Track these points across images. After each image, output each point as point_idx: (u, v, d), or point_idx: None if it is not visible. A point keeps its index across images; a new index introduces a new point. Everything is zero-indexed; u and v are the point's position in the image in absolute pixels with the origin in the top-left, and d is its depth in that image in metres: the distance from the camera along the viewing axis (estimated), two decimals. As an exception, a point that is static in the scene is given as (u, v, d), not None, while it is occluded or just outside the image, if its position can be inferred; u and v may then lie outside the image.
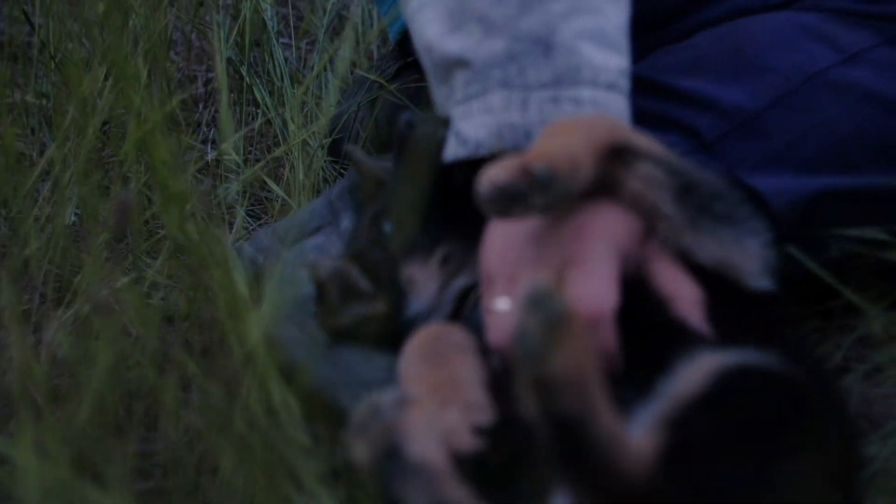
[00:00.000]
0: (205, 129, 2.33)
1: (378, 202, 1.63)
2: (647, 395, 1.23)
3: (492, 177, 1.29)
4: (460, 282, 1.56)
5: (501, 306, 1.37)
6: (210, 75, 2.38)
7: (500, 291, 1.38)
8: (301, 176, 2.05)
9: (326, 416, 1.58)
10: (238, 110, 2.22)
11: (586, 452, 1.11)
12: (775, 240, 1.42)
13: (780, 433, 1.19)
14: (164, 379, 1.50)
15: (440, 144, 1.52)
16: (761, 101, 1.66)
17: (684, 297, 1.37)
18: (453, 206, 1.54)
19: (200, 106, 2.34)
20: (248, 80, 2.23)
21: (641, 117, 1.71)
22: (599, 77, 1.47)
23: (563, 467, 1.14)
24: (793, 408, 1.23)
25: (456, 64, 1.51)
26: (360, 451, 1.25)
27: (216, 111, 2.28)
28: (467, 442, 1.26)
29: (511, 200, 1.29)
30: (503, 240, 1.40)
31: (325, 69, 2.32)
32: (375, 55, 2.48)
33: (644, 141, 1.40)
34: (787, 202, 1.65)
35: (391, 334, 1.56)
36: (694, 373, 1.23)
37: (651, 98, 1.72)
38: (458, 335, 1.43)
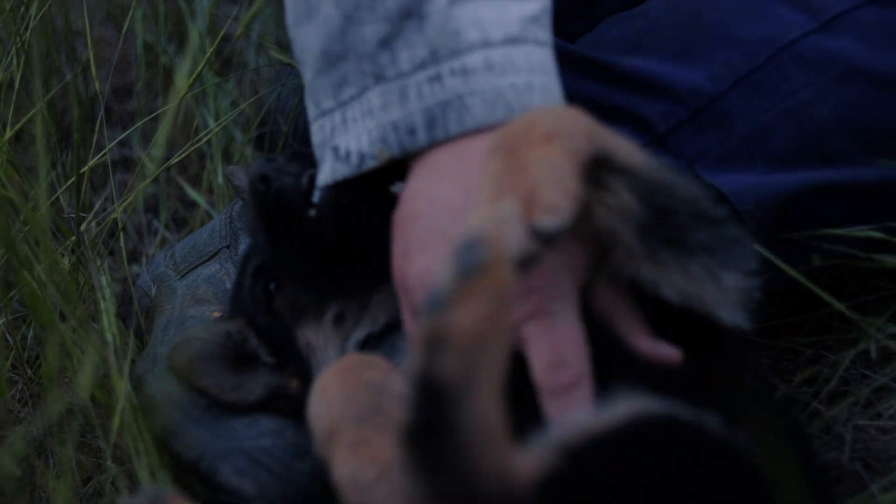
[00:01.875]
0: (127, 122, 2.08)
1: (258, 253, 1.37)
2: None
3: (503, 245, 0.99)
4: (359, 334, 1.31)
5: None
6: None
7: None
8: (221, 179, 1.79)
9: (203, 492, 1.35)
10: (160, 101, 1.97)
11: (448, 437, 0.89)
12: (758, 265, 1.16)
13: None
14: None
15: (306, 195, 1.26)
16: (722, 83, 1.36)
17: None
18: (334, 258, 1.28)
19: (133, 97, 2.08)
20: (166, 62, 1.96)
21: (581, 106, 1.44)
22: (491, 33, 1.16)
23: (416, 455, 0.91)
24: (711, 479, 0.99)
25: (321, 58, 1.22)
26: None
27: (144, 101, 2.03)
28: None
29: (525, 265, 1.01)
30: (425, 252, 1.13)
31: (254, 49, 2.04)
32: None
33: (622, 147, 1.11)
34: (758, 204, 1.36)
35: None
36: (610, 410, 1.02)
37: (593, 82, 1.43)
38: (396, 381, 1.15)
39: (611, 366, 1.08)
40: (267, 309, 1.33)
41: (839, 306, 1.33)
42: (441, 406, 0.89)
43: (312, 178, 1.26)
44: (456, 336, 0.89)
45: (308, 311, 1.31)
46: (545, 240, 1.00)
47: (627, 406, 1.01)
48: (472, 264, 0.89)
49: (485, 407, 0.90)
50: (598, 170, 1.07)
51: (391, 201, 1.22)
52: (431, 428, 0.90)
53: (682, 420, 1.01)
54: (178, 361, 1.32)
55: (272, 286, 1.33)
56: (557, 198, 1.02)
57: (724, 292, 1.11)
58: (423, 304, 0.90)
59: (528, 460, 0.94)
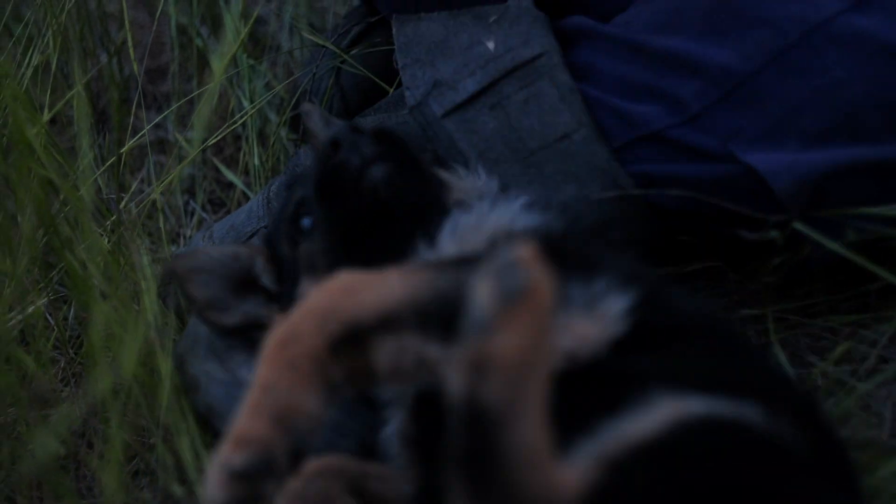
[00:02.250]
0: (162, 104, 2.10)
1: (305, 186, 1.39)
2: (589, 432, 1.00)
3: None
4: None
5: None
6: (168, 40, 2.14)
7: None
8: (257, 160, 1.81)
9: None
10: (194, 83, 1.98)
11: (495, 461, 0.90)
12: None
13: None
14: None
15: (360, 177, 1.28)
16: (754, 62, 1.37)
17: None
18: (363, 231, 1.30)
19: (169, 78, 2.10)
20: (199, 45, 1.97)
21: (614, 86, 1.45)
22: None
23: (464, 479, 0.92)
24: (762, 478, 0.97)
25: None
26: None
27: (178, 83, 2.04)
28: None
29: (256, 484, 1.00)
30: None
31: (290, 31, 2.05)
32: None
33: (375, 296, 1.09)
34: (793, 181, 1.37)
35: None
36: (649, 416, 1.00)
37: (626, 62, 1.44)
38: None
39: (637, 366, 1.09)
40: (292, 242, 1.35)
41: (885, 274, 1.33)
42: (487, 431, 0.90)
43: (374, 167, 1.28)
44: (501, 361, 0.90)
45: (318, 270, 1.32)
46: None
47: (665, 411, 1.01)
48: (513, 288, 0.90)
49: (530, 431, 0.91)
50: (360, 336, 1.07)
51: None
52: (478, 453, 0.91)
53: (725, 420, 1.01)
54: (180, 267, 1.35)
55: (306, 221, 1.34)
56: (257, 430, 1.03)
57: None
58: (465, 324, 0.91)
59: (571, 475, 0.94)
